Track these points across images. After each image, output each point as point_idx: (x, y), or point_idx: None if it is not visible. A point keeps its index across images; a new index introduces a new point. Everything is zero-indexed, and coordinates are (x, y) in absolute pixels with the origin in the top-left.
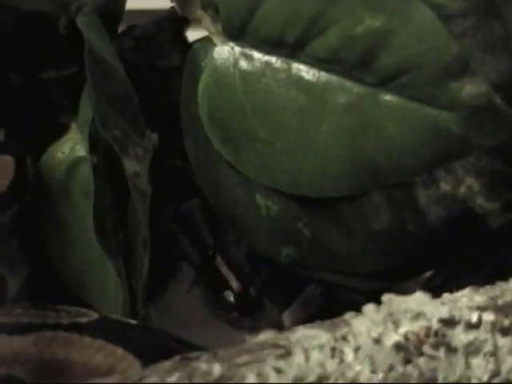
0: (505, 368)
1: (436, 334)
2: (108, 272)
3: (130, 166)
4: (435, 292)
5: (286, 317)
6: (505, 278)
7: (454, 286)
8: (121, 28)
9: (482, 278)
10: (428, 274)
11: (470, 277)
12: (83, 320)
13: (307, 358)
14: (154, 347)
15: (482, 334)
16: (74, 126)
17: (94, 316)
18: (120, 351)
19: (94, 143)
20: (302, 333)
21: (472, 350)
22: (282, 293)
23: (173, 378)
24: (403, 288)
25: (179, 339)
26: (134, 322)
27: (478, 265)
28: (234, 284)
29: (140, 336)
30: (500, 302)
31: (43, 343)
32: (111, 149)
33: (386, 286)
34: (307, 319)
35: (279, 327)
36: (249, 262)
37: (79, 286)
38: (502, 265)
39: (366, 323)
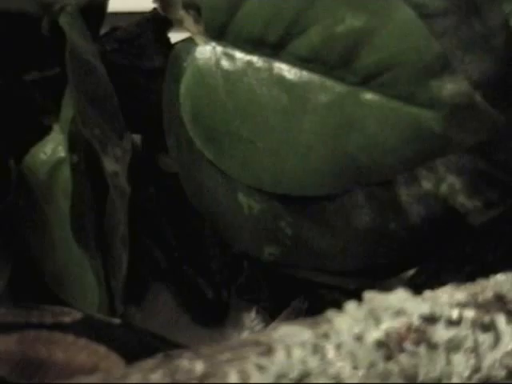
0: (485, 364)
1: (417, 330)
2: (88, 271)
3: (109, 165)
4: (417, 290)
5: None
6: (486, 276)
7: (436, 283)
8: (104, 30)
9: (464, 276)
10: (410, 272)
11: (452, 275)
12: (66, 319)
13: (289, 355)
14: (138, 346)
15: (463, 330)
16: (56, 127)
17: (78, 315)
18: (103, 350)
19: (75, 143)
20: (284, 330)
21: (453, 346)
22: (267, 302)
23: (156, 376)
24: (386, 286)
25: (163, 338)
26: (117, 321)
27: (459, 263)
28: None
29: (123, 335)
30: (480, 298)
31: (27, 342)
32: (91, 148)
33: (368, 284)
34: None
35: None
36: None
37: (60, 287)
38: (483, 263)
39: (347, 320)
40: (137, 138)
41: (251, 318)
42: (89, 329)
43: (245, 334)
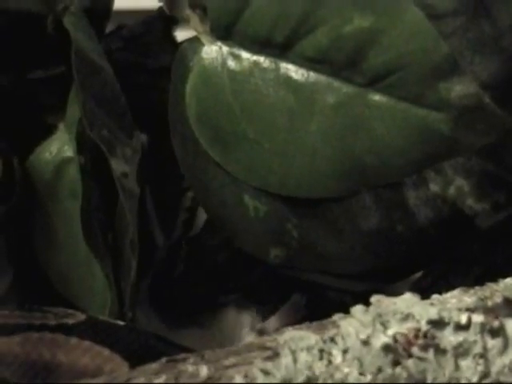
0: (494, 369)
1: (425, 335)
2: (95, 273)
3: (118, 166)
4: (425, 293)
5: (270, 324)
6: (494, 279)
7: (444, 287)
8: (109, 28)
9: (472, 279)
10: (418, 275)
11: (460, 278)
12: (70, 321)
13: (295, 360)
14: (142, 348)
15: (472, 335)
16: (61, 126)
17: (81, 317)
18: (107, 352)
19: (82, 143)
20: (290, 334)
21: (461, 351)
22: (266, 298)
23: (160, 380)
24: (393, 289)
25: (167, 340)
26: (121, 323)
27: (467, 266)
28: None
29: (127, 337)
30: (489, 303)
31: (30, 344)
32: (99, 149)
33: (375, 287)
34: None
35: (262, 334)
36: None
37: (66, 288)
38: (491, 266)
39: (354, 325)
40: (142, 137)
41: (252, 317)
42: (92, 331)
43: (243, 333)
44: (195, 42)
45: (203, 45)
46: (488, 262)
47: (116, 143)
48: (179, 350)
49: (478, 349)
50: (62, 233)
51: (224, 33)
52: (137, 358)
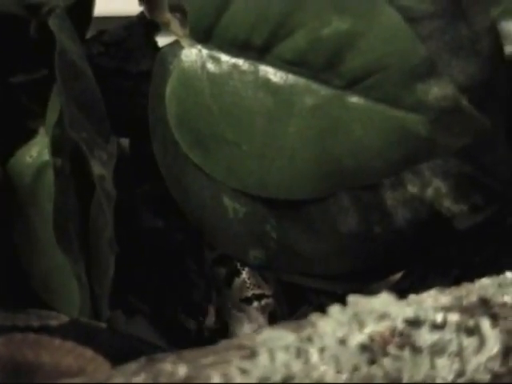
0: (470, 368)
1: (401, 334)
2: (71, 275)
3: (96, 168)
4: (404, 294)
5: None
6: (473, 281)
7: (423, 287)
8: (90, 33)
9: (451, 279)
10: (397, 276)
11: (439, 278)
12: (53, 323)
13: (272, 359)
14: (125, 349)
15: (447, 334)
16: (42, 130)
17: (65, 319)
18: (90, 353)
19: (59, 146)
20: (268, 334)
21: (437, 350)
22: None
23: (138, 379)
24: (372, 290)
25: (150, 342)
26: (103, 324)
27: (446, 267)
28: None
29: (110, 338)
30: (465, 302)
31: (14, 345)
32: (77, 151)
33: (354, 288)
34: None
35: None
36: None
37: (45, 290)
38: (469, 267)
39: (331, 324)
40: (124, 141)
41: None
42: (76, 332)
43: None
44: (175, 46)
45: (183, 48)
46: (466, 263)
47: (93, 146)
48: (161, 351)
49: (453, 347)
50: (42, 235)
51: (203, 36)
52: (120, 359)
